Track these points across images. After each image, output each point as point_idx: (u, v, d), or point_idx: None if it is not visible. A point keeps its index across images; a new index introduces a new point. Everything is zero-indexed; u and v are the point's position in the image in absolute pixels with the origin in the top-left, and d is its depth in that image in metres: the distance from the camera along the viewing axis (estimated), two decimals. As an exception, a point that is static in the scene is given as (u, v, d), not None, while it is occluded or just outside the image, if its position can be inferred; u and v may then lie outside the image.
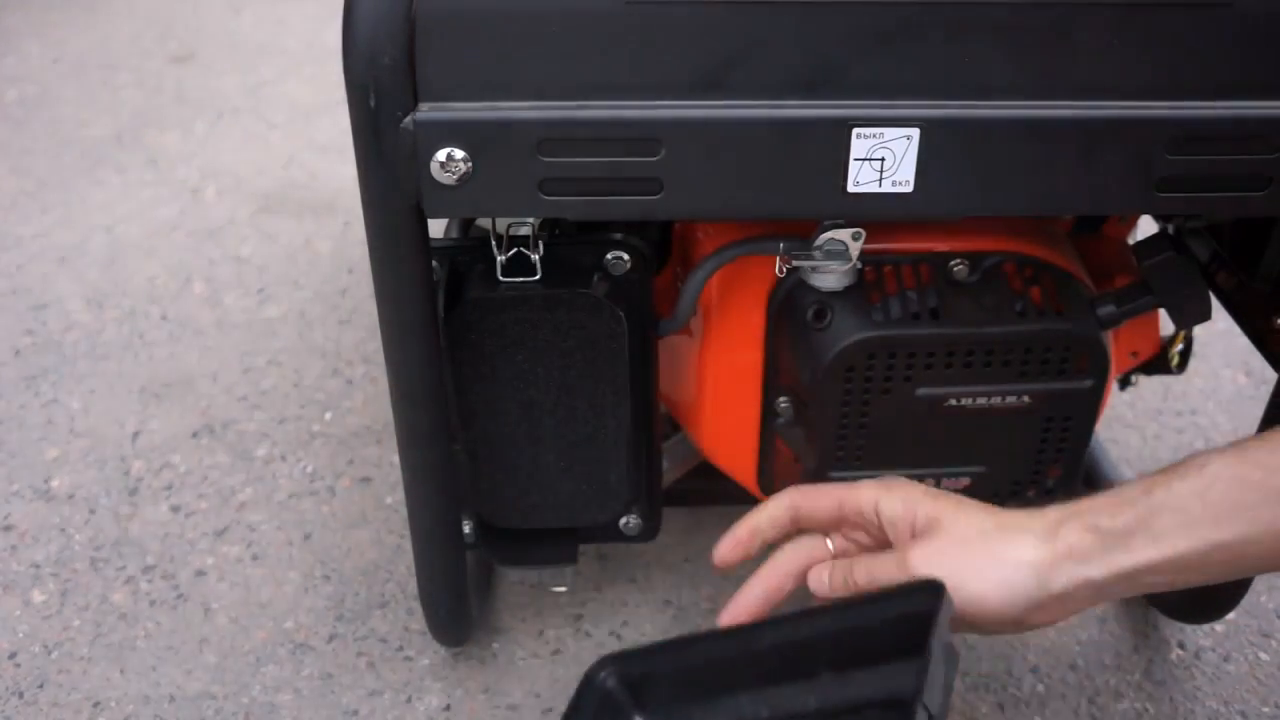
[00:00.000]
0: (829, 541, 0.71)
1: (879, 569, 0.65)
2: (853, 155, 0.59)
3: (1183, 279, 0.73)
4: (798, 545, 0.72)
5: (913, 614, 0.60)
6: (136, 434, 1.16)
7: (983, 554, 0.62)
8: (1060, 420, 0.74)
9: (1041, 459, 0.76)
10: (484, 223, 0.69)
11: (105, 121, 1.76)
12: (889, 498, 0.66)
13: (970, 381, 0.72)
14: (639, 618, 0.96)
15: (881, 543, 0.68)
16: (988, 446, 0.75)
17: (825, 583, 0.69)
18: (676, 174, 0.59)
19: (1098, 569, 0.60)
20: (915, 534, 0.65)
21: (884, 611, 0.63)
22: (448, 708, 0.89)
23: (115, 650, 0.93)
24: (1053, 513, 0.62)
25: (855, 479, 0.67)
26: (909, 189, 0.60)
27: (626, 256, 0.70)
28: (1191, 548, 0.59)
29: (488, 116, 0.57)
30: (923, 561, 0.63)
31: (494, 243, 0.67)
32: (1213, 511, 0.58)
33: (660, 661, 0.73)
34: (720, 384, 0.78)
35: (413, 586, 0.91)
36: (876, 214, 0.61)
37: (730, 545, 0.73)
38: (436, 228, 0.69)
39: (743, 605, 0.71)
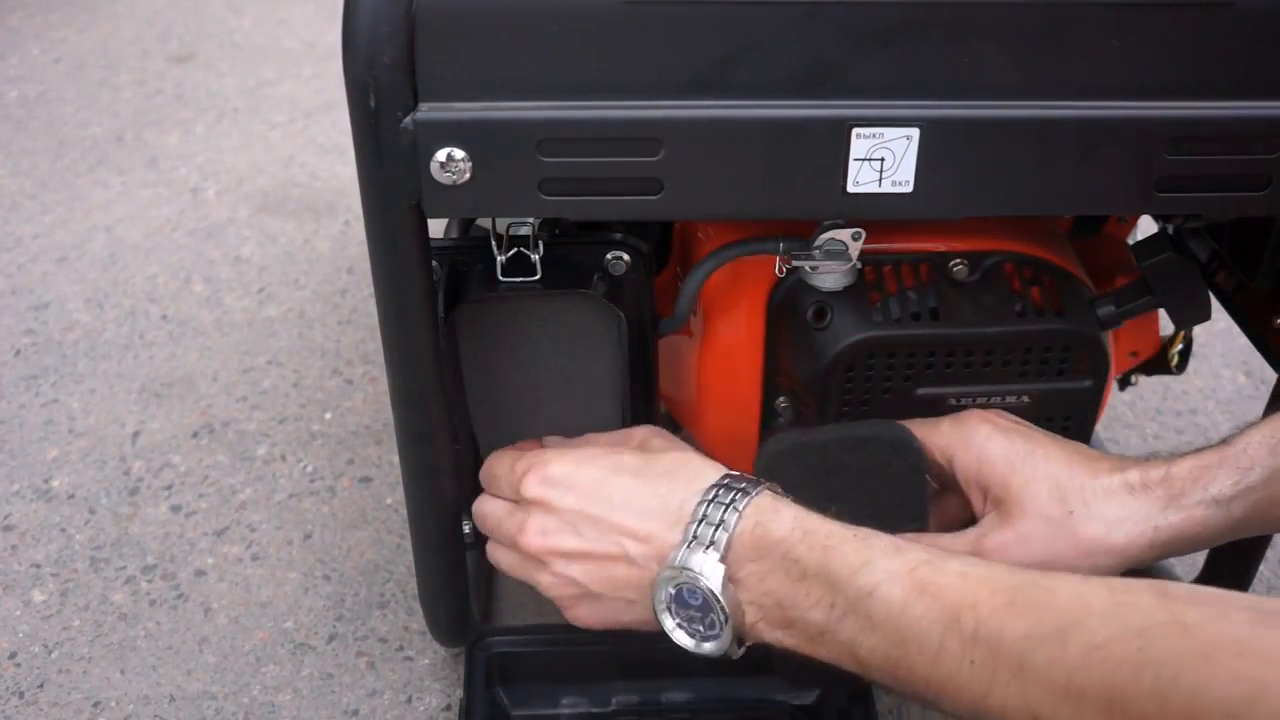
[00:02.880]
0: None
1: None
2: (852, 155, 0.58)
3: (1182, 279, 0.73)
4: None
5: None
6: (136, 434, 1.16)
7: (1066, 540, 0.58)
8: (1060, 420, 0.74)
9: (1041, 459, 0.76)
10: (484, 223, 0.69)
11: (105, 121, 1.76)
12: (964, 454, 0.63)
13: (970, 381, 0.72)
14: (639, 618, 0.96)
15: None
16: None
17: None
18: (676, 174, 0.59)
19: (1202, 540, 0.58)
20: (988, 501, 0.61)
21: None
22: (448, 708, 0.89)
23: (115, 650, 0.93)
24: (1158, 478, 0.58)
25: None
26: (909, 189, 0.60)
27: (626, 256, 0.70)
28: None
29: (488, 116, 0.57)
30: (1001, 554, 0.59)
31: (494, 243, 0.67)
32: None
33: (529, 643, 0.78)
34: (720, 384, 0.78)
35: (413, 586, 0.91)
36: (876, 214, 0.61)
37: None
38: (436, 228, 0.69)
39: None
